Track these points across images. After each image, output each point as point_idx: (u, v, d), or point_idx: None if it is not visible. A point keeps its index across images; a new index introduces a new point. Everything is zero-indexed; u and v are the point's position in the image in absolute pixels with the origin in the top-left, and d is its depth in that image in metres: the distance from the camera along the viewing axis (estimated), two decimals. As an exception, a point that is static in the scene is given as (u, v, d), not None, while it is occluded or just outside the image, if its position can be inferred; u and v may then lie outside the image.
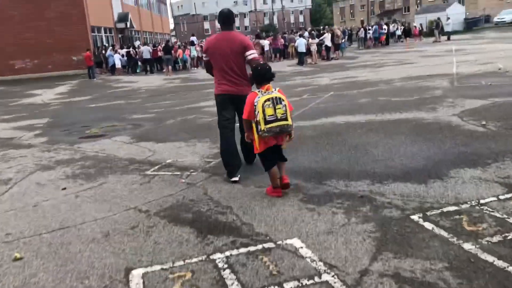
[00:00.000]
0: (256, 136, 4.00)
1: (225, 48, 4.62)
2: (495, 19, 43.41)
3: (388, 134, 6.24)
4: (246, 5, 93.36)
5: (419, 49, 25.71)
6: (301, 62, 21.70)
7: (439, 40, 31.58)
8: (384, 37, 31.78)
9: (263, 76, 4.07)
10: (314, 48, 21.86)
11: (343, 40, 26.06)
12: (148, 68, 25.46)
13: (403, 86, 11.24)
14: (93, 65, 23.08)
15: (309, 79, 15.31)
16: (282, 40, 26.30)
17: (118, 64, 25.21)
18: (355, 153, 5.44)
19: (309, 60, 22.64)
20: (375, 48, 30.37)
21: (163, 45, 24.90)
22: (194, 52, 25.95)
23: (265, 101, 3.84)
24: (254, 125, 3.98)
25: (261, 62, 4.65)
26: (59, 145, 7.56)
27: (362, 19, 74.25)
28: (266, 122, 3.83)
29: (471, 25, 43.44)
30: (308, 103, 9.71)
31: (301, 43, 21.73)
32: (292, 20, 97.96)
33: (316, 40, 22.23)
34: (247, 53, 4.61)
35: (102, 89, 18.45)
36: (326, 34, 22.78)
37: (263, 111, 3.83)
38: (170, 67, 22.88)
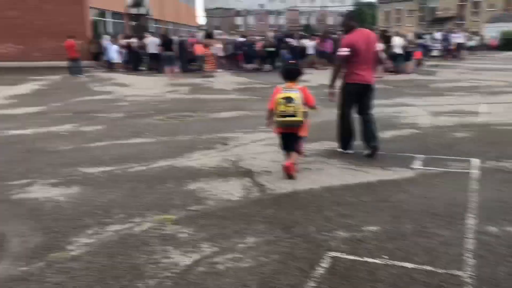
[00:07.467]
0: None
1: (366, 42, 5.33)
2: None
3: None
4: (284, 2, 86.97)
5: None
6: (359, 74, 15.55)
7: (528, 55, 24.98)
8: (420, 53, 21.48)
9: (287, 74, 4.75)
10: (381, 56, 15.57)
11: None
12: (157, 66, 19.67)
13: None
14: (78, 58, 17.26)
15: (388, 108, 9.25)
16: (331, 42, 19.97)
17: (116, 58, 19.48)
18: None
19: (368, 72, 16.48)
20: (445, 60, 23.87)
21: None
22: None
23: (280, 99, 4.55)
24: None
25: (292, 62, 5.51)
26: None
27: (410, 25, 67.17)
28: (278, 116, 4.62)
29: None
30: (455, 204, 3.70)
31: (361, 48, 15.49)
32: (330, 22, 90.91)
33: (383, 46, 15.95)
34: (376, 46, 5.58)
35: (75, 94, 12.76)
36: (395, 38, 16.49)
37: (278, 106, 4.56)
38: (174, 67, 16.57)
